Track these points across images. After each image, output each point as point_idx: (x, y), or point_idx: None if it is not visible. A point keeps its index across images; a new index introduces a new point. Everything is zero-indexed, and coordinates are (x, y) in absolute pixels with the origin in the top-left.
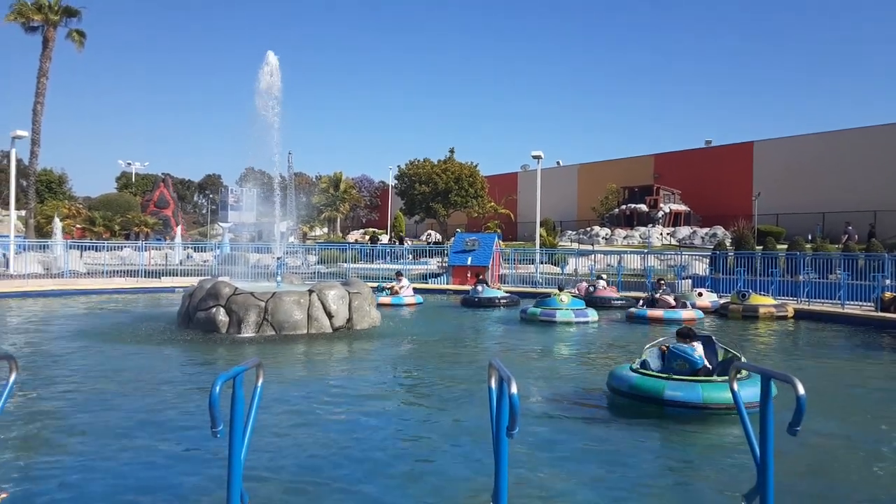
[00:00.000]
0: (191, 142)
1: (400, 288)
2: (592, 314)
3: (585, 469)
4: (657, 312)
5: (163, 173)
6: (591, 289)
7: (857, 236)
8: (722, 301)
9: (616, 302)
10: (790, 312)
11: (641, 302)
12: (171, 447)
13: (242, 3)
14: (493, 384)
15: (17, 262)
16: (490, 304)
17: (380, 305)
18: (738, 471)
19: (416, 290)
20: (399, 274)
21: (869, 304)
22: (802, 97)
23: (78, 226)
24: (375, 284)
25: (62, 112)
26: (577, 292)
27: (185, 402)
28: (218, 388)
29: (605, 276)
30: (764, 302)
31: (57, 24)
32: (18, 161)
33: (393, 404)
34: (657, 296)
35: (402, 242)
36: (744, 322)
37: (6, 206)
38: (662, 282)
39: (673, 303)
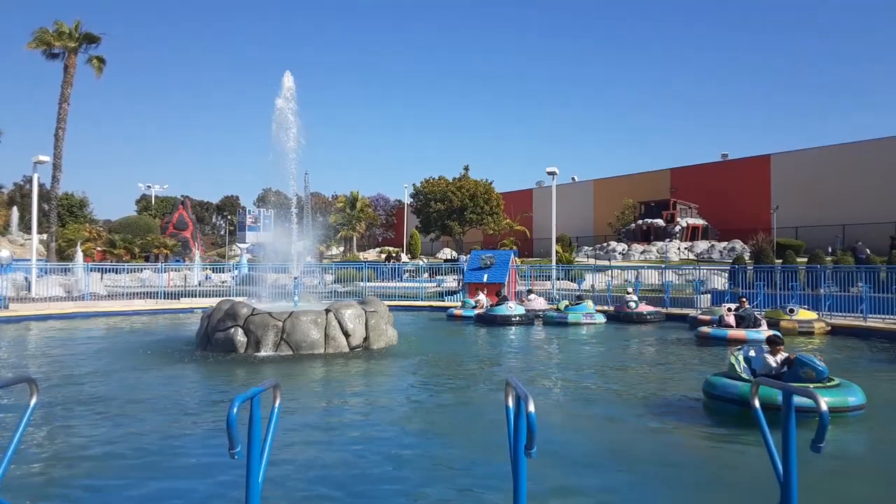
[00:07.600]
0: (209, 164)
1: (477, 302)
2: (599, 318)
3: (605, 482)
4: (739, 333)
5: (181, 195)
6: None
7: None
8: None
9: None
10: (829, 327)
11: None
12: (190, 469)
13: (258, 23)
14: (511, 403)
15: (39, 286)
16: (526, 320)
17: (478, 319)
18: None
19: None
20: (478, 290)
21: (892, 316)
22: (819, 110)
23: (98, 248)
24: (461, 302)
25: (83, 136)
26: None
27: (204, 424)
28: (235, 410)
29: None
30: (813, 317)
31: (77, 50)
32: (40, 185)
33: (410, 425)
34: (732, 313)
35: (398, 260)
36: (803, 338)
37: (28, 230)
38: (744, 299)
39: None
